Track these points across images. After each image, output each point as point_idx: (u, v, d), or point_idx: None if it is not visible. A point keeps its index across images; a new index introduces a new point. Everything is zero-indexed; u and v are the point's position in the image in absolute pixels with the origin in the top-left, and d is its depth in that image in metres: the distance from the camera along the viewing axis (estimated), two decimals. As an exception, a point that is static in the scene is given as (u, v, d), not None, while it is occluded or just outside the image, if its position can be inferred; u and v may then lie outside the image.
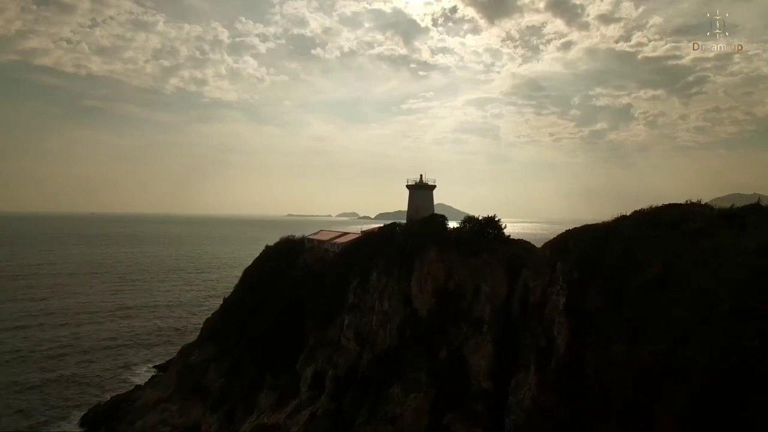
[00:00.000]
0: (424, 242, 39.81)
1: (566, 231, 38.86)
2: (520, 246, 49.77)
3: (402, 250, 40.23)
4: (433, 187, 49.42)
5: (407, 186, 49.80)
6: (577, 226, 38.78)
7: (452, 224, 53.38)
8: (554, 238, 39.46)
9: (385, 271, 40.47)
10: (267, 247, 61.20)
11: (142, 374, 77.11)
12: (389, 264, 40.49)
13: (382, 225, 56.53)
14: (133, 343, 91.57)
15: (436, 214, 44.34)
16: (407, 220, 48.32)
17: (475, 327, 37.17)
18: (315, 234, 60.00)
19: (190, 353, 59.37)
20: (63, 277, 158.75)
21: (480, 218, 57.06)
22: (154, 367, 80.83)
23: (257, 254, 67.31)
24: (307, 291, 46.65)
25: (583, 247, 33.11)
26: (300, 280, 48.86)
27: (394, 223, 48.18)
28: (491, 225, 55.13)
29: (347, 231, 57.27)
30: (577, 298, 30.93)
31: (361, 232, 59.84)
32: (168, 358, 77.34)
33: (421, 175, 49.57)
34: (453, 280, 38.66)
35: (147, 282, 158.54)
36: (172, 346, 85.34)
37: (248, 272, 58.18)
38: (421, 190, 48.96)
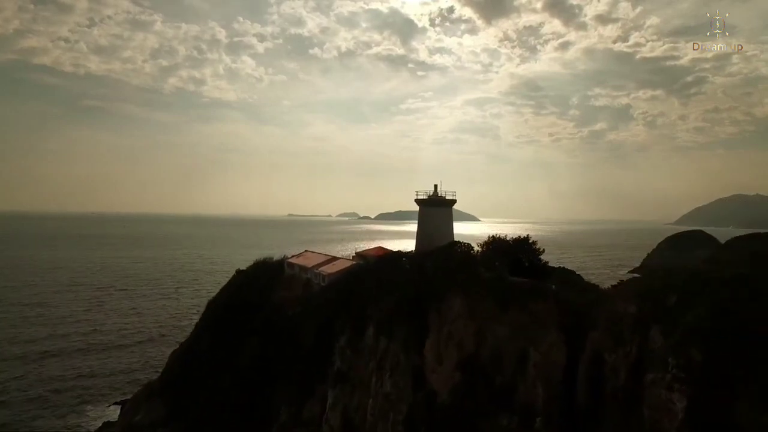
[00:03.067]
0: (443, 286, 27.23)
1: (655, 272, 26.53)
2: (568, 280, 37.23)
3: (410, 298, 27.64)
4: (453, 202, 36.10)
5: (417, 201, 36.68)
6: (664, 269, 26.43)
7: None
8: (637, 282, 27.11)
9: (385, 326, 27.90)
10: (238, 273, 48.67)
11: (103, 414, 65.09)
12: (392, 317, 27.91)
13: (380, 248, 44.03)
14: (98, 382, 77.66)
15: (458, 241, 31.71)
16: (417, 246, 35.56)
17: (522, 419, 24.68)
18: (298, 257, 47.55)
19: (137, 408, 46.90)
20: (40, 287, 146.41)
21: (508, 239, 44.32)
22: (116, 403, 68.68)
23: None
24: (279, 344, 34.22)
25: (704, 309, 20.80)
26: (272, 326, 36.44)
27: (399, 252, 35.54)
28: (524, 249, 42.50)
29: (338, 256, 44.71)
30: (713, 403, 18.65)
31: (356, 254, 47.34)
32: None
33: (435, 186, 36.42)
34: (487, 345, 26.10)
35: (131, 295, 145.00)
36: (141, 384, 72.27)
37: (212, 306, 45.72)
38: (435, 208, 35.63)
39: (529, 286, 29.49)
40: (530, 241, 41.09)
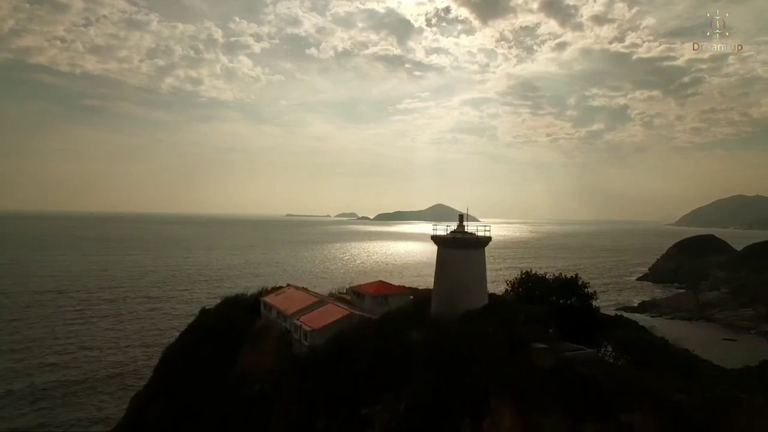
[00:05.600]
0: (481, 383, 17.38)
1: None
2: (648, 345, 27.28)
3: (429, 401, 17.75)
4: (486, 241, 25.13)
5: (434, 239, 25.89)
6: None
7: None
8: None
9: (392, 444, 18.00)
10: (202, 313, 38.75)
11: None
12: (402, 427, 18.00)
13: (381, 282, 34.17)
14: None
15: (498, 303, 21.76)
16: (434, 304, 24.91)
17: None
18: (276, 294, 37.63)
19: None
20: (18, 298, 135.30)
21: (548, 277, 34.26)
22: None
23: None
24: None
25: None
26: (232, 410, 26.65)
27: (408, 312, 25.43)
28: (571, 292, 32.57)
29: (326, 299, 34.71)
30: None
31: (349, 288, 37.51)
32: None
33: (461, 217, 25.73)
34: (555, 485, 16.29)
35: (115, 311, 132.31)
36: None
37: (166, 362, 35.43)
38: (462, 250, 24.66)
39: (607, 376, 19.59)
40: (579, 283, 31.34)
